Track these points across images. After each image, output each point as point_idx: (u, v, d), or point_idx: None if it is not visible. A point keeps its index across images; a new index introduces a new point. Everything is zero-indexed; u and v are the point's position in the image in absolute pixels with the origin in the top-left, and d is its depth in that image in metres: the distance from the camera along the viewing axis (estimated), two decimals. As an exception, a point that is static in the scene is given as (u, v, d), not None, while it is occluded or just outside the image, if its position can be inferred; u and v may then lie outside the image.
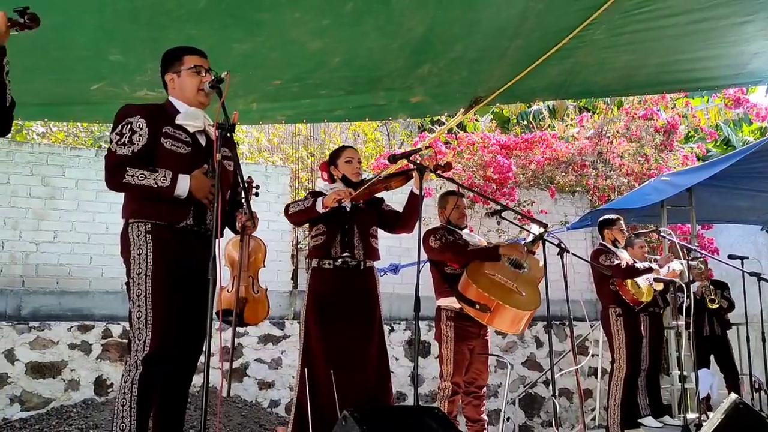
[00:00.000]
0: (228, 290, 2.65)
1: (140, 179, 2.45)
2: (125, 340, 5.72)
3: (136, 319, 2.40)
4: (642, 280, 4.56)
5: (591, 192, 7.80)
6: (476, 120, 9.85)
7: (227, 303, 2.63)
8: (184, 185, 2.48)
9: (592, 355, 6.72)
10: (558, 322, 7.04)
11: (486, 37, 4.09)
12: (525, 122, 9.83)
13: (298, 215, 3.37)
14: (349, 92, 4.47)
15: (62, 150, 6.20)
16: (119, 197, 2.60)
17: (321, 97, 4.48)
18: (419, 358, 6.35)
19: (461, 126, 8.24)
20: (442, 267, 4.00)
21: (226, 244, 2.77)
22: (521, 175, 7.60)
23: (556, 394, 3.39)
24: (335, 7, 3.53)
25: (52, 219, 5.85)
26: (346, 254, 3.34)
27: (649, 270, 4.54)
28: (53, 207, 5.88)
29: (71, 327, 5.55)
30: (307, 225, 3.59)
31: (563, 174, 7.70)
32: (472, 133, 8.21)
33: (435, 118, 8.48)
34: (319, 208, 3.25)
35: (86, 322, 5.64)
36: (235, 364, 5.91)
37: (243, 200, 2.75)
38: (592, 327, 6.97)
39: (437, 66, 4.25)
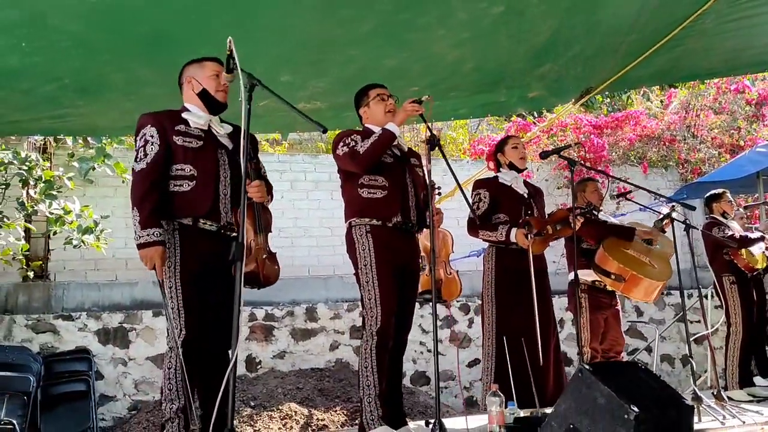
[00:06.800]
0: (426, 274, 3.20)
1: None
2: (268, 323, 6.43)
3: (367, 301, 3.00)
4: (755, 248, 4.91)
5: (681, 165, 8.04)
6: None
7: (425, 285, 3.19)
8: None
9: (693, 322, 7.05)
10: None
11: (603, 35, 4.47)
12: (608, 99, 10.04)
13: (488, 241, 3.86)
14: (475, 92, 4.89)
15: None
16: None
17: (449, 98, 4.92)
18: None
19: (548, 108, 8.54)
20: (579, 242, 4.42)
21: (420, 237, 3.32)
22: (613, 153, 7.91)
23: (692, 354, 3.84)
24: (476, 22, 3.98)
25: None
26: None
27: (762, 239, 4.88)
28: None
29: (223, 313, 6.25)
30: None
31: (654, 150, 7.95)
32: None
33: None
34: (513, 239, 3.70)
35: (234, 308, 6.32)
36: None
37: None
38: (689, 296, 7.29)
39: (557, 64, 4.64)
